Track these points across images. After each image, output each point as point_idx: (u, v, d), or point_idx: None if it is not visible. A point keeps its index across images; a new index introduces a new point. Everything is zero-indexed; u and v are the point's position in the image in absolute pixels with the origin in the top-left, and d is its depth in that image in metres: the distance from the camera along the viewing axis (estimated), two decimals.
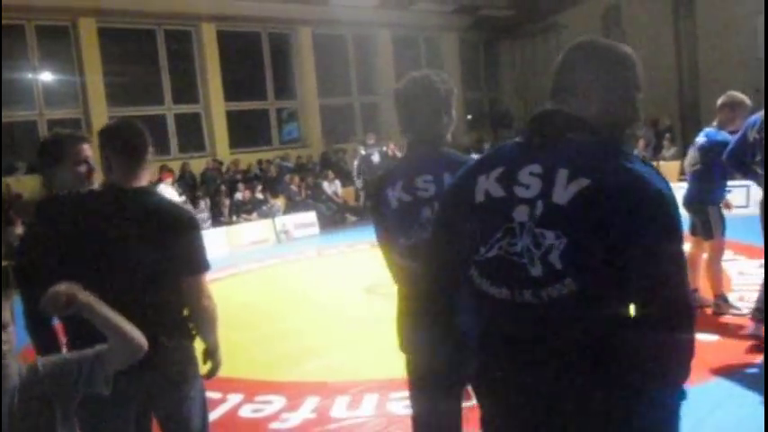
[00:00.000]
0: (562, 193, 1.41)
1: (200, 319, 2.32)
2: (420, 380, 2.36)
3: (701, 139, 5.19)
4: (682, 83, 15.01)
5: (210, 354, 2.42)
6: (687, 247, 5.89)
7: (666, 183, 1.43)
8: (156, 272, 2.18)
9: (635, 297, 1.39)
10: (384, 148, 14.06)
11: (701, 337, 4.63)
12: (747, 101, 5.05)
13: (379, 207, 2.32)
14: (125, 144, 2.30)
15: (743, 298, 5.48)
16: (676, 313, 1.37)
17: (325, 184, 14.70)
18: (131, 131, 2.34)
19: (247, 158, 15.00)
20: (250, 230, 12.50)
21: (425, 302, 1.74)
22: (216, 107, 14.75)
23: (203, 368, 2.42)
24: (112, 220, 2.20)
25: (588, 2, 16.95)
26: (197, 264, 2.28)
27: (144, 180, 2.33)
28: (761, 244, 6.95)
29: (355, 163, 14.36)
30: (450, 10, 17.42)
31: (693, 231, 5.27)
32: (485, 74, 20.24)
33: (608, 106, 1.54)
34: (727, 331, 4.75)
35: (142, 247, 2.17)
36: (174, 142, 14.54)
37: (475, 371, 1.60)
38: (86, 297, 1.66)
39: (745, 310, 5.09)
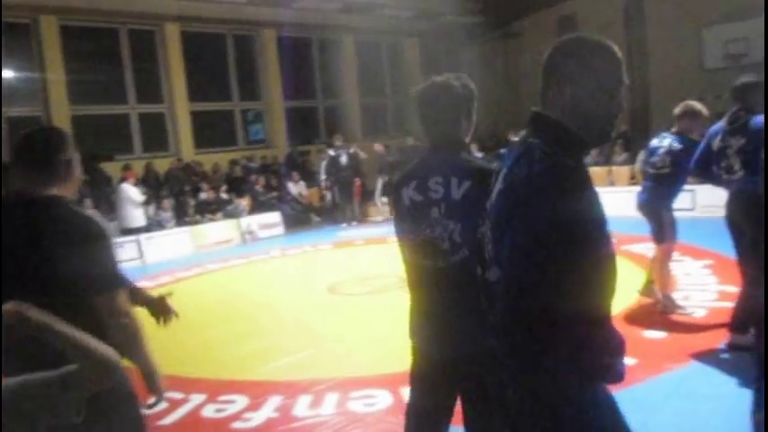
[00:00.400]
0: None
1: (120, 340, 1.96)
2: (420, 367, 2.56)
3: (673, 143, 5.17)
4: (633, 91, 15.44)
5: (146, 378, 2.18)
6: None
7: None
8: (62, 290, 1.94)
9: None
10: (351, 150, 14.15)
11: (649, 333, 4.89)
12: (705, 111, 5.27)
13: (397, 205, 2.45)
14: (31, 150, 2.14)
15: (688, 297, 5.76)
16: (509, 287, 1.57)
17: (290, 185, 14.76)
18: (40, 137, 2.20)
19: (212, 159, 14.95)
20: (215, 230, 12.50)
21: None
22: (180, 107, 14.67)
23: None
24: (15, 232, 2.01)
25: (545, 11, 17.39)
26: (106, 281, 2.05)
27: (61, 188, 2.12)
28: (706, 246, 7.34)
29: (323, 164, 14.43)
30: (412, 16, 17.63)
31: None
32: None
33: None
34: (674, 328, 4.99)
35: (46, 262, 1.97)
36: (137, 142, 14.41)
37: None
38: (40, 315, 1.41)
39: (690, 310, 5.37)
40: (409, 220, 2.36)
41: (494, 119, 18.73)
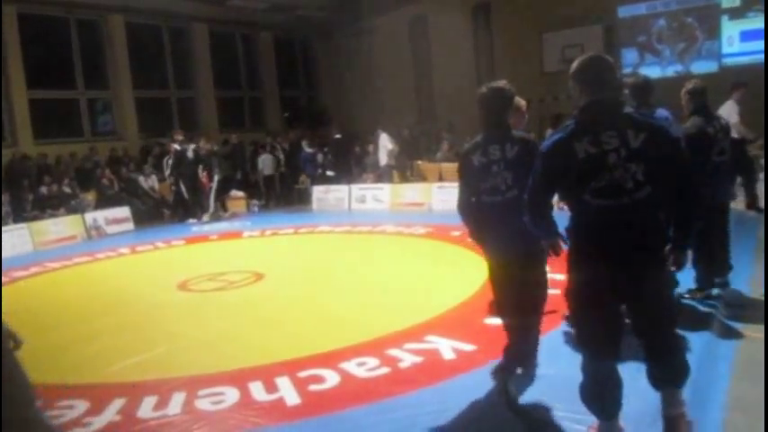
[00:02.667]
0: (634, 142, 2.70)
1: None
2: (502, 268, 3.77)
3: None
4: (480, 88, 16.34)
5: None
6: None
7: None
8: None
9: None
10: (195, 145, 13.48)
11: (490, 320, 5.20)
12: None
13: (465, 167, 3.79)
14: None
15: None
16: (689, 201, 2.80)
17: (141, 179, 14.09)
18: None
19: (55, 150, 13.86)
20: (56, 227, 11.66)
21: (533, 210, 3.00)
22: (17, 94, 13.48)
23: None
24: None
25: (397, 10, 17.81)
26: None
27: None
28: None
29: (166, 159, 13.58)
30: (266, 8, 17.44)
31: None
32: (302, 72, 20.49)
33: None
34: None
35: None
36: None
37: (574, 247, 2.86)
38: None
39: None
40: (478, 175, 3.69)
41: (349, 115, 19.00)
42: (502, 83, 3.79)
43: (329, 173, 15.04)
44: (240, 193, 14.84)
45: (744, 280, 5.60)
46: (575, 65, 2.89)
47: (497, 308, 4.07)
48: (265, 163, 15.48)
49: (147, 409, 4.02)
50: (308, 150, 15.42)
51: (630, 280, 2.75)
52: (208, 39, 17.30)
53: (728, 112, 8.82)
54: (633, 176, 2.68)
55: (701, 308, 5.16)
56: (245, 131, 17.77)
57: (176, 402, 4.07)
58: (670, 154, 2.76)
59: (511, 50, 16.21)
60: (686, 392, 3.16)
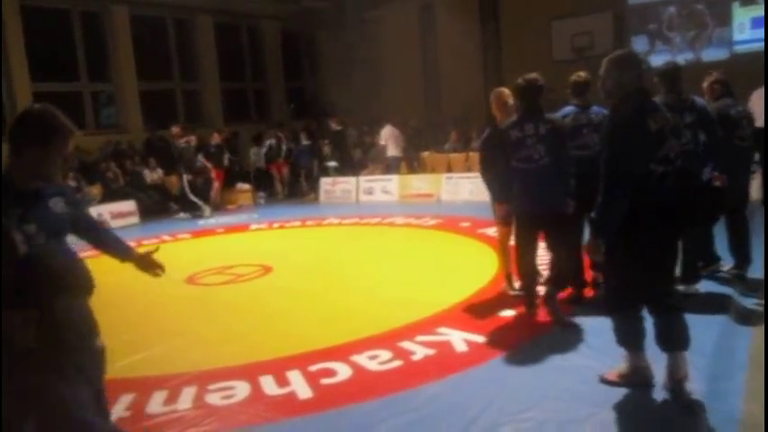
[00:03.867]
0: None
1: None
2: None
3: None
4: (487, 82, 16.18)
5: None
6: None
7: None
8: None
9: None
10: (192, 138, 13.14)
11: (500, 312, 5.14)
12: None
13: (504, 140, 4.75)
14: None
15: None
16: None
17: (146, 172, 14.01)
18: None
19: None
20: None
21: (611, 179, 3.28)
22: (21, 88, 13.39)
23: None
24: None
25: (404, 0, 17.64)
26: None
27: None
28: None
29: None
30: None
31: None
32: (307, 64, 20.37)
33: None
34: (522, 306, 5.27)
35: None
36: None
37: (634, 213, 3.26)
38: None
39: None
40: (515, 147, 4.66)
41: (356, 107, 18.86)
42: (534, 75, 4.73)
43: (330, 164, 14.89)
44: (246, 186, 14.76)
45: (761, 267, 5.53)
46: (613, 56, 3.49)
47: (520, 258, 4.92)
48: (258, 155, 15.38)
49: (156, 404, 3.95)
50: (305, 143, 15.27)
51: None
52: (212, 30, 17.18)
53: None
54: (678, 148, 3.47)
55: (720, 292, 5.21)
56: (250, 123, 17.67)
57: (186, 397, 4.00)
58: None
59: (520, 39, 16.02)
60: (703, 382, 3.54)
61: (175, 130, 13.14)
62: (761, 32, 13.68)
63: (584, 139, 5.07)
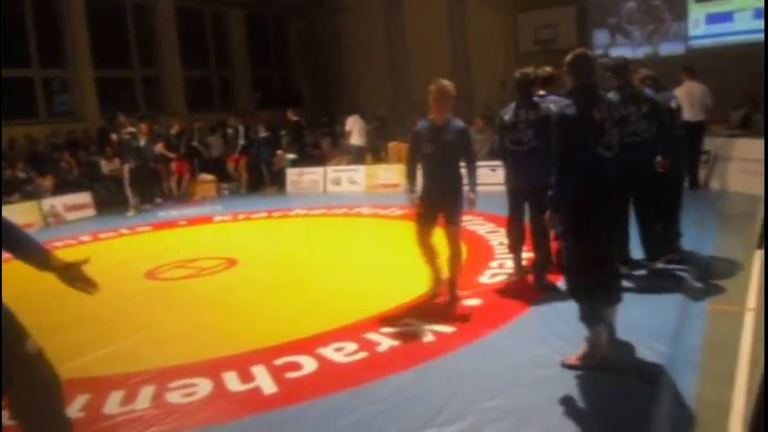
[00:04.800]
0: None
1: None
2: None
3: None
4: (454, 73, 16.20)
5: None
6: None
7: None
8: None
9: None
10: (135, 128, 12.38)
11: (466, 302, 5.14)
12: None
13: (499, 124, 5.49)
14: None
15: (503, 265, 6.14)
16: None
17: (103, 163, 13.58)
18: None
19: (7, 132, 13.20)
20: (10, 214, 11.01)
21: (563, 162, 3.76)
22: None
23: None
24: None
25: None
26: None
27: None
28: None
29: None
30: None
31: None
32: (274, 52, 20.08)
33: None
34: (489, 295, 5.33)
35: None
36: None
37: (582, 192, 3.73)
38: None
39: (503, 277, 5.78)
40: (509, 129, 5.36)
41: (323, 96, 18.70)
42: (529, 69, 5.43)
43: (290, 156, 14.67)
44: (209, 177, 14.48)
45: (709, 253, 6.05)
46: (569, 58, 3.89)
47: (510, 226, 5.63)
48: (215, 144, 15.06)
49: (113, 404, 3.81)
50: (263, 134, 15.03)
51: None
52: (174, 15, 16.76)
53: (702, 92, 9.00)
54: (618, 139, 3.87)
55: (673, 275, 5.46)
56: (214, 112, 17.34)
57: (145, 396, 3.87)
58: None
59: (486, 31, 16.07)
60: (660, 357, 3.80)
61: (121, 118, 12.62)
62: (715, 28, 14.04)
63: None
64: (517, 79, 5.41)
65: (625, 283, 4.77)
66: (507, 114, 5.41)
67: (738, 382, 3.26)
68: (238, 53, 18.57)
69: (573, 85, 3.87)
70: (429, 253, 5.38)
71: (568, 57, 3.92)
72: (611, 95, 5.12)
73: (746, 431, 2.46)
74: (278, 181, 14.42)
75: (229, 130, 15.05)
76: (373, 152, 14.77)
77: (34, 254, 2.59)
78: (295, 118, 14.88)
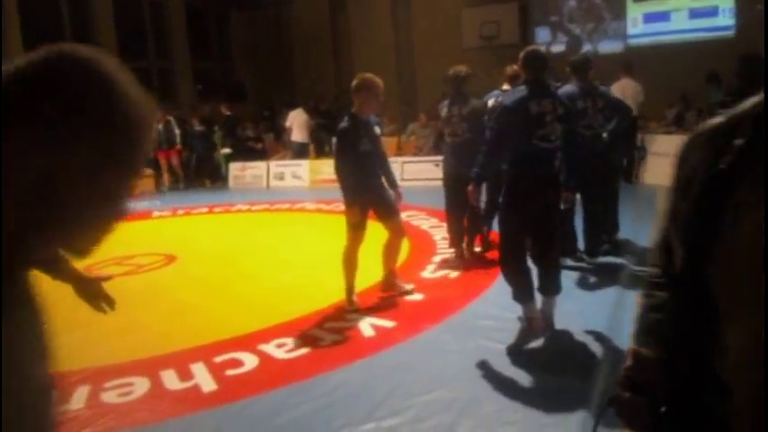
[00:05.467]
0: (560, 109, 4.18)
1: None
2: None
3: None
4: (399, 68, 16.26)
5: None
6: None
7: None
8: None
9: None
10: None
11: (409, 297, 5.19)
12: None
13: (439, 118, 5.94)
14: None
15: (446, 260, 6.23)
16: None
17: None
18: None
19: None
20: None
21: (492, 146, 4.22)
22: None
23: None
24: None
25: None
26: None
27: None
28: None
29: None
30: None
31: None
32: (217, 44, 19.72)
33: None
34: (431, 291, 5.39)
35: None
36: None
37: (516, 179, 4.11)
38: None
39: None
40: (447, 123, 5.74)
41: (266, 90, 18.46)
42: (462, 67, 5.88)
43: (225, 151, 14.45)
44: (148, 171, 14.10)
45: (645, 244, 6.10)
46: (522, 54, 4.25)
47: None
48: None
49: None
50: (198, 128, 14.76)
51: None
52: (111, 4, 16.24)
53: (636, 90, 9.30)
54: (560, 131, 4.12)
55: (610, 265, 5.69)
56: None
57: (79, 397, 3.77)
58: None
59: (431, 26, 16.16)
60: (599, 347, 3.96)
61: None
62: (653, 27, 14.50)
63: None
64: (450, 77, 5.85)
65: (567, 274, 4.93)
66: (443, 109, 5.93)
67: None
68: (179, 44, 18.15)
69: (524, 79, 4.27)
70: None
71: (522, 53, 4.30)
72: (569, 88, 5.45)
73: None
74: (216, 176, 14.19)
75: (159, 126, 13.98)
76: (317, 147, 14.66)
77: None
78: (228, 112, 14.64)
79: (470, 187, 4.32)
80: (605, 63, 10.35)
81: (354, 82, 4.95)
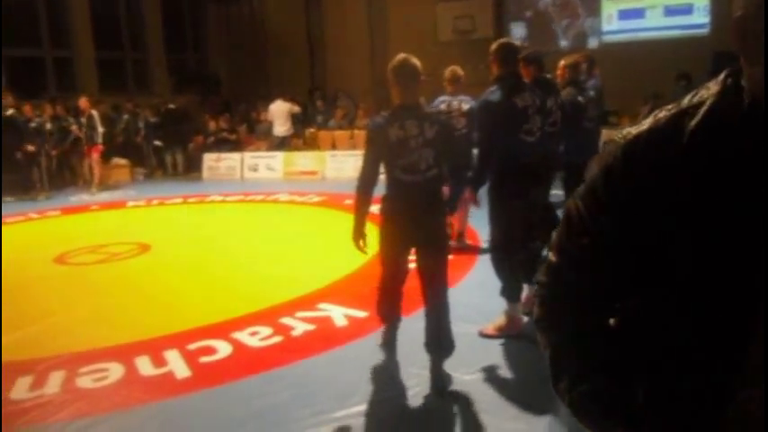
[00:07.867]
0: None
1: None
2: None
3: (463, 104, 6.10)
4: (373, 61, 16.29)
5: None
6: None
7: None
8: None
9: None
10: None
11: None
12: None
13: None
14: None
15: None
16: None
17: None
18: None
19: None
20: None
21: (485, 146, 4.14)
22: None
23: None
24: None
25: None
26: None
27: None
28: None
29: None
30: None
31: None
32: (192, 36, 19.56)
33: None
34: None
35: None
36: None
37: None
38: None
39: None
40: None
41: (241, 82, 18.36)
42: (455, 69, 6.04)
43: (156, 143, 14.37)
44: (123, 161, 14.02)
45: None
46: (494, 47, 4.06)
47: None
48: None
49: (21, 390, 3.76)
50: (152, 120, 14.63)
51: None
52: None
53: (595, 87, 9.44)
54: (540, 126, 4.07)
55: None
56: (128, 95, 16.76)
57: (54, 381, 3.83)
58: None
59: (405, 20, 16.21)
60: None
61: (9, 98, 11.72)
62: (628, 24, 14.69)
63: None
64: (449, 77, 6.09)
65: None
66: (442, 105, 6.06)
67: None
68: (153, 35, 17.98)
69: (498, 73, 4.05)
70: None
71: (493, 46, 4.11)
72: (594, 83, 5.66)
73: None
74: (189, 167, 14.16)
75: (82, 119, 12.34)
76: (296, 139, 14.67)
77: None
78: (171, 105, 14.58)
79: (468, 194, 4.25)
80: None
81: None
